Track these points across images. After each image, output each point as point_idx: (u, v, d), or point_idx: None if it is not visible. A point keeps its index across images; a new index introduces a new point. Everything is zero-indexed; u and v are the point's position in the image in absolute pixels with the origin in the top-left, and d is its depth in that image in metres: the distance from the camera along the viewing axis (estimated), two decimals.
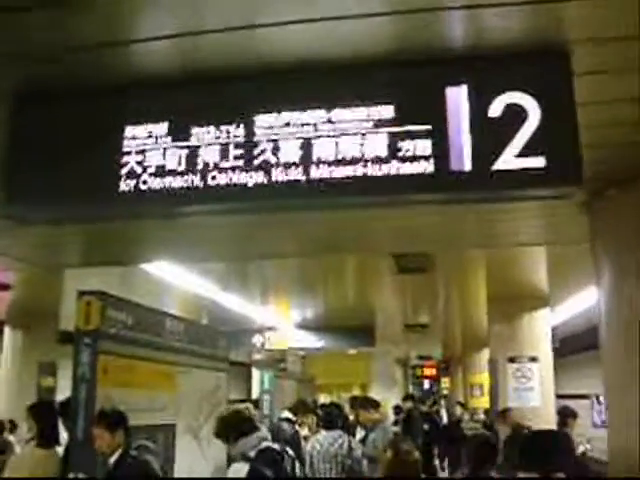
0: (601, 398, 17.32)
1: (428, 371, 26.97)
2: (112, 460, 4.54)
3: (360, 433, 8.69)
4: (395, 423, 12.82)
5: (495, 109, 3.39)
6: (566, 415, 8.20)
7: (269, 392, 14.38)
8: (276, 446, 4.91)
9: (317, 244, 6.58)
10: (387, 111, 3.47)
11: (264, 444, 4.66)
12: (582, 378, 16.95)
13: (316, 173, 3.44)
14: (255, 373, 17.50)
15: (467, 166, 3.33)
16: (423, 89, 3.47)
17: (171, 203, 3.61)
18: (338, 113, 3.51)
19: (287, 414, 9.58)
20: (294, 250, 6.84)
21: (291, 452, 5.24)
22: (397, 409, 14.67)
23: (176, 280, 8.88)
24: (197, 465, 6.99)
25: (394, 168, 3.37)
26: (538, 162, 3.29)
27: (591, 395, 17.68)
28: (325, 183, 3.42)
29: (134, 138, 3.69)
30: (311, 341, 14.71)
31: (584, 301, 10.56)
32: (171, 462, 6.41)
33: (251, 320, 13.24)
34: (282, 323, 14.21)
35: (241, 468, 4.41)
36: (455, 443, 9.68)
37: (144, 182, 3.60)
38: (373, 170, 3.39)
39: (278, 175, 3.48)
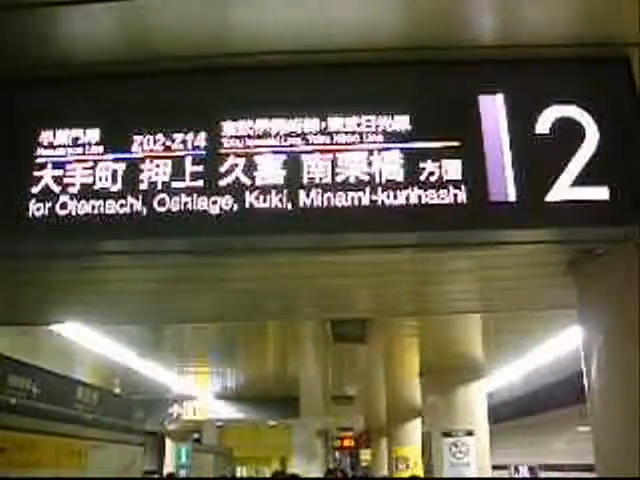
0: (520, 467, 16.98)
1: (347, 442, 26.22)
2: None
3: None
4: None
5: (543, 124, 2.59)
6: None
7: (186, 467, 13.04)
8: None
9: (238, 307, 5.61)
10: (401, 122, 2.61)
11: None
12: (500, 448, 16.58)
13: (307, 200, 2.52)
14: (168, 443, 16.00)
15: (511, 196, 2.49)
16: (449, 96, 2.65)
17: (100, 237, 2.58)
18: (336, 122, 2.63)
19: None
20: (213, 314, 5.84)
21: None
22: None
23: (90, 344, 7.73)
24: None
25: (414, 196, 2.49)
26: (600, 193, 2.50)
27: (509, 465, 17.42)
28: (319, 214, 2.50)
29: (51, 146, 2.68)
30: (231, 412, 13.54)
31: (508, 372, 10.36)
32: None
33: (168, 389, 12.04)
34: (201, 392, 13.04)
35: None
36: None
37: (63, 205, 2.59)
38: (385, 198, 2.50)
39: (253, 201, 2.53)
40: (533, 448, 16.55)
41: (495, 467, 10.16)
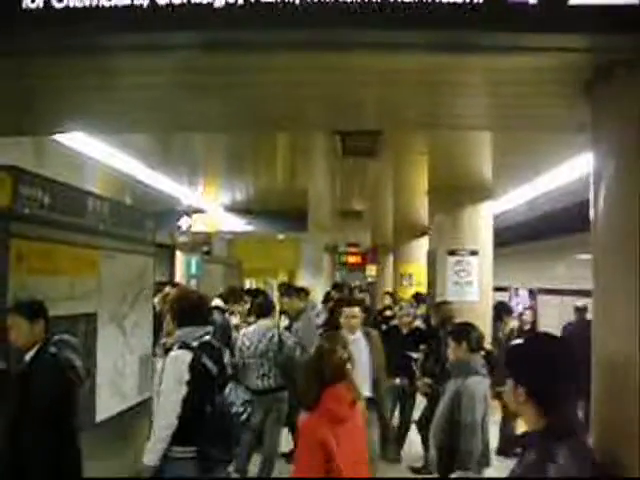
0: (519, 290, 17.53)
1: (353, 258, 26.43)
2: (28, 356, 3.97)
3: (284, 321, 8.45)
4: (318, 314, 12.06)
5: None
6: (501, 311, 8.77)
7: (196, 277, 13.52)
8: (216, 343, 4.55)
9: (245, 115, 5.48)
10: None
11: (206, 337, 4.36)
12: (503, 271, 17.11)
13: None
14: (179, 256, 16.49)
15: None
16: None
17: (100, 30, 2.48)
18: None
19: (218, 302, 8.86)
20: (220, 123, 5.72)
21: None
22: (326, 297, 13.97)
23: (96, 155, 7.68)
24: (121, 357, 6.31)
25: None
26: None
27: (510, 287, 17.93)
28: (321, 8, 2.36)
29: None
30: (240, 224, 13.72)
31: (515, 196, 10.32)
32: (93, 356, 5.69)
33: (178, 201, 12.13)
34: (210, 205, 13.13)
35: (183, 356, 4.06)
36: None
37: None
38: None
39: None
40: (534, 273, 16.96)
41: (496, 289, 10.38)
